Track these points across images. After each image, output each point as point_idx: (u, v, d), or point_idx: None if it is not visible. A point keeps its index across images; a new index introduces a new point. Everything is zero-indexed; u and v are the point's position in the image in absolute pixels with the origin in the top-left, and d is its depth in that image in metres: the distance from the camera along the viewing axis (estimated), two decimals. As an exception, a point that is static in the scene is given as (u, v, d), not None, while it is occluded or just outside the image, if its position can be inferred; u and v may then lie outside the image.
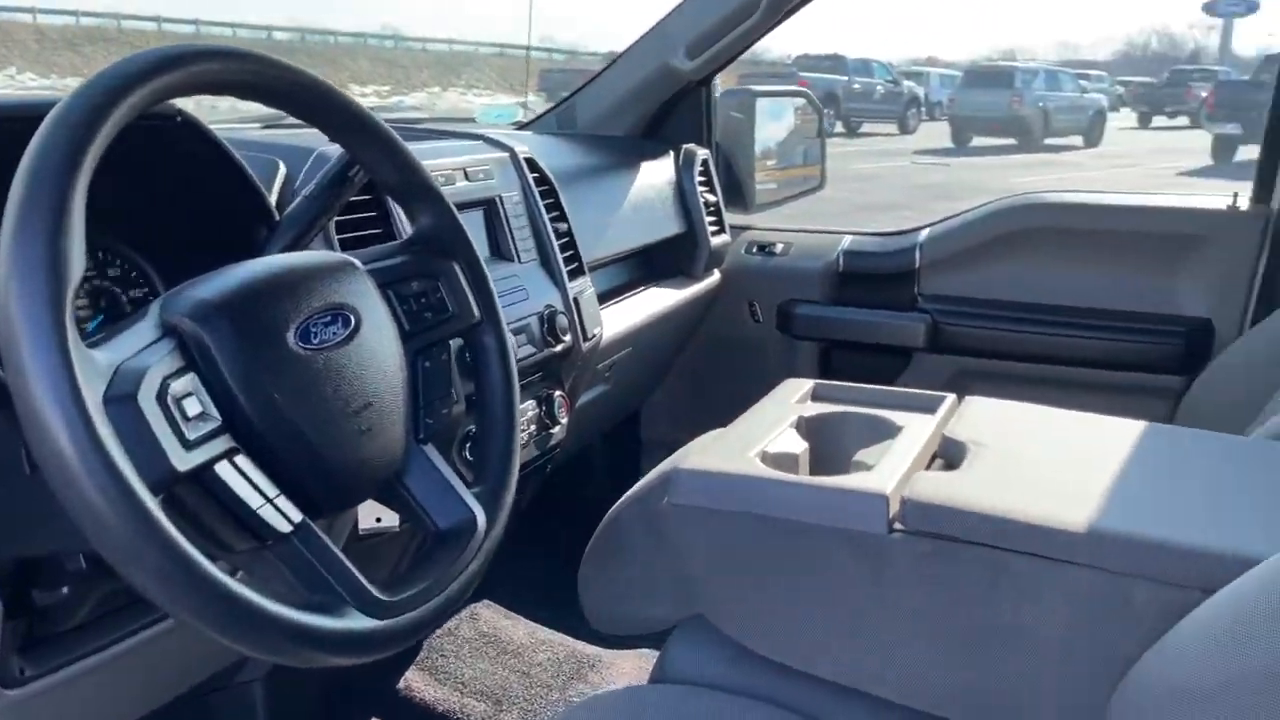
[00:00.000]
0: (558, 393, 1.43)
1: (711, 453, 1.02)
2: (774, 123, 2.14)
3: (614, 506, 1.13)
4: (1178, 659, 0.77)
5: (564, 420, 1.42)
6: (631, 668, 1.58)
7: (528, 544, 1.80)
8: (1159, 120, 20.58)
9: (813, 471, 1.10)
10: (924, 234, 1.88)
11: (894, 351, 1.87)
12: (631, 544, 1.11)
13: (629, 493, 1.14)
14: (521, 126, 2.00)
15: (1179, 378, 1.69)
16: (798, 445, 1.06)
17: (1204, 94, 16.05)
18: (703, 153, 1.93)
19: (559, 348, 1.40)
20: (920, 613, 0.91)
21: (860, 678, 0.95)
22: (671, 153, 1.90)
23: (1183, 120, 19.46)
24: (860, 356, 1.90)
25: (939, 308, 1.83)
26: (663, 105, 1.93)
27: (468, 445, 1.20)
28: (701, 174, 1.90)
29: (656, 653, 1.11)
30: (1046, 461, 0.98)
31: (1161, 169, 12.63)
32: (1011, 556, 0.87)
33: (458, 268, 0.94)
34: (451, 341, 0.94)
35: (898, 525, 0.91)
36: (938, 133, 16.95)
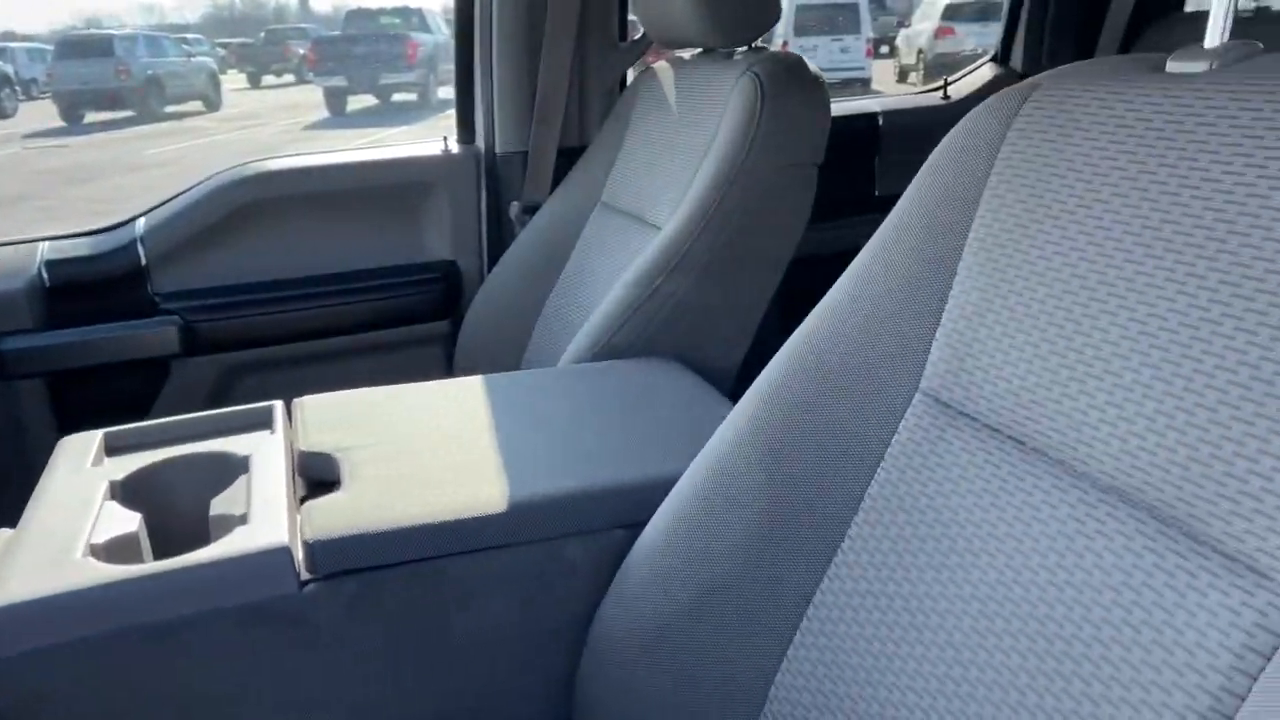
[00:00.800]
0: None
1: (19, 570, 0.74)
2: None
3: None
4: (635, 602, 0.77)
5: None
6: None
7: None
8: (269, 79, 21.24)
9: (156, 543, 0.87)
10: (141, 225, 1.62)
11: (146, 366, 1.59)
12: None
13: None
14: None
15: (444, 322, 1.74)
16: (128, 520, 0.82)
17: (303, 51, 16.94)
18: None
19: None
20: (360, 659, 0.78)
21: None
22: None
23: (290, 77, 20.37)
24: (105, 382, 1.58)
25: (185, 305, 1.61)
26: None
27: None
28: None
29: None
30: (423, 450, 0.91)
31: (290, 124, 13.07)
32: (447, 561, 0.78)
33: None
34: None
35: (308, 575, 0.76)
36: (43, 112, 15.20)
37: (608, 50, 1.71)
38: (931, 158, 0.74)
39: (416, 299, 1.71)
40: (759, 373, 0.77)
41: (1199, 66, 0.58)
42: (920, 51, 13.32)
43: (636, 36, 1.74)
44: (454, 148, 1.75)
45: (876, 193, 1.96)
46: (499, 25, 1.64)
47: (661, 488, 0.81)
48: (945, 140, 0.73)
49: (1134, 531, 0.52)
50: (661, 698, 0.74)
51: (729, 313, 1.23)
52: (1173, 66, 0.60)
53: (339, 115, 13.70)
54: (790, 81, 1.21)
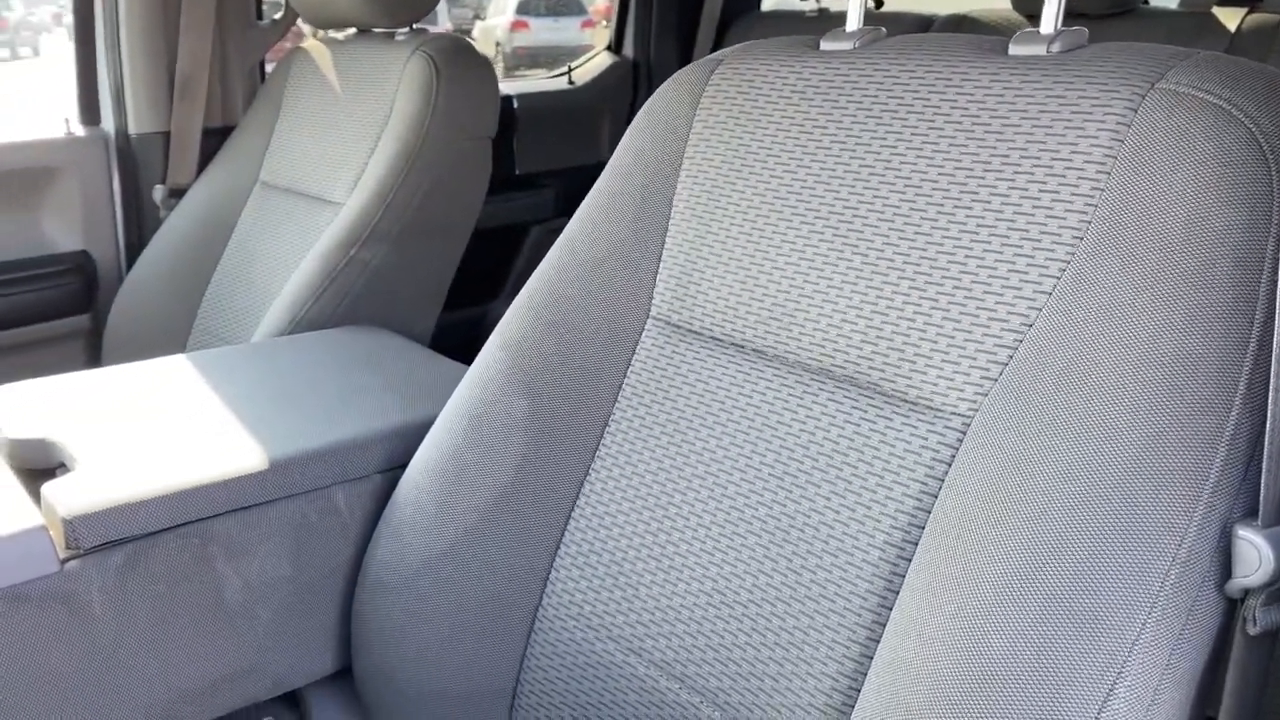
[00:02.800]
0: None
1: None
2: None
3: None
4: (408, 535, 0.83)
5: None
6: None
7: None
8: None
9: None
10: None
11: None
12: None
13: None
14: None
15: (83, 316, 1.61)
16: None
17: None
18: None
19: None
20: (132, 631, 0.77)
21: None
22: None
23: None
24: None
25: None
26: None
27: None
28: None
29: None
30: (150, 425, 0.89)
31: None
32: (214, 522, 0.80)
33: None
34: None
35: (68, 552, 0.74)
36: None
37: (247, 28, 1.68)
38: (631, 128, 0.86)
39: (47, 294, 1.57)
40: (451, 339, 0.86)
41: (845, 46, 0.76)
42: (498, 44, 13.73)
43: (275, 16, 1.72)
44: (78, 130, 1.63)
45: (517, 171, 2.10)
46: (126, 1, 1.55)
47: (415, 432, 0.88)
48: (642, 112, 0.86)
49: (841, 399, 0.69)
50: (435, 620, 0.81)
51: (421, 280, 1.29)
52: (825, 46, 0.78)
53: None
54: (462, 60, 1.29)
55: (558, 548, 0.81)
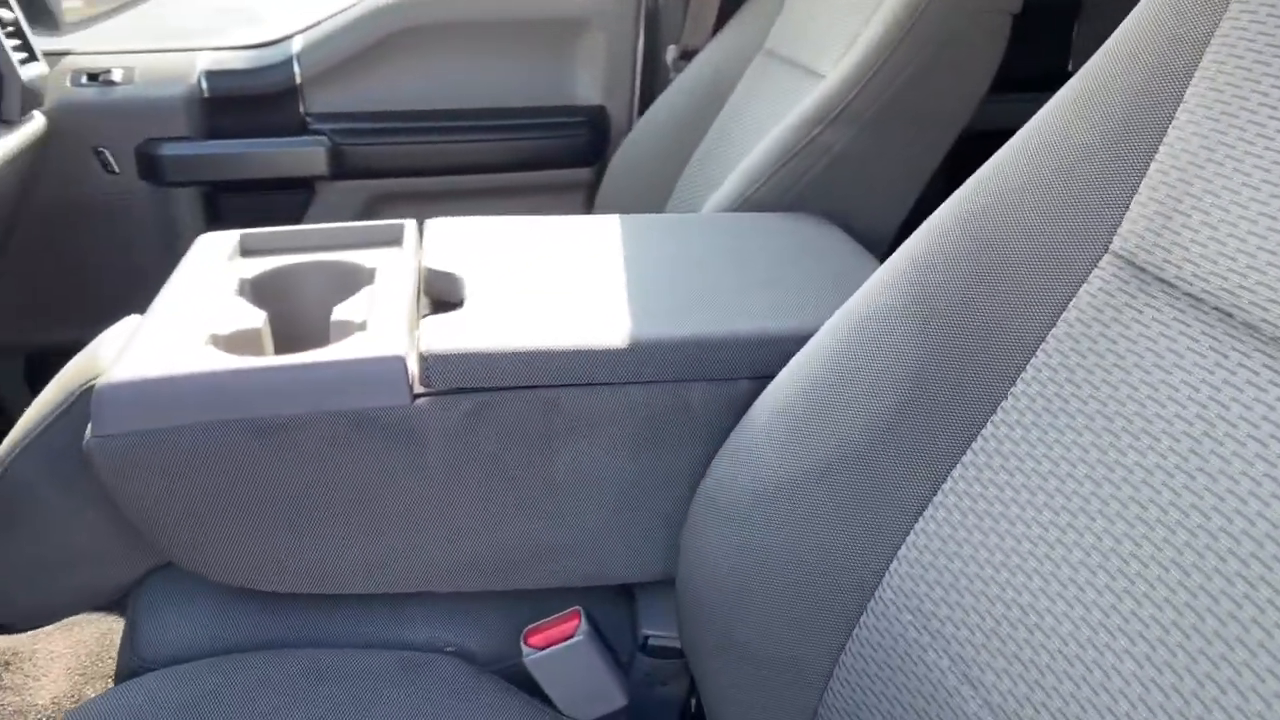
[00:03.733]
0: None
1: (141, 353, 0.73)
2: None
3: None
4: (749, 460, 0.72)
5: None
6: (66, 648, 1.22)
7: None
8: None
9: (279, 345, 0.87)
10: (298, 43, 1.61)
11: (294, 184, 1.60)
12: (40, 506, 0.79)
13: (14, 437, 0.80)
14: None
15: (587, 169, 1.69)
16: (254, 316, 0.81)
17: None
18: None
19: None
20: (464, 480, 0.76)
21: (395, 577, 0.78)
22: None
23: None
24: (256, 196, 1.60)
25: (334, 127, 1.60)
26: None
27: None
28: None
29: (97, 616, 0.83)
30: (551, 279, 0.86)
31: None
32: (562, 393, 0.75)
33: None
34: None
35: (421, 389, 0.74)
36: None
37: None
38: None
39: (562, 142, 1.65)
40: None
41: None
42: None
43: None
44: (616, -16, 1.67)
45: (1070, 68, 1.78)
46: None
47: (795, 342, 0.75)
48: None
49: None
50: (767, 557, 0.69)
51: (890, 173, 1.13)
52: None
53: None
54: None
55: (916, 519, 0.64)
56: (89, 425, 0.70)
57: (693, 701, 0.87)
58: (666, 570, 0.81)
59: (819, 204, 1.11)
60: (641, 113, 1.67)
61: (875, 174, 1.12)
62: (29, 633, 1.19)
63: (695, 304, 0.82)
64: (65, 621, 1.20)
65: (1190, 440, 0.51)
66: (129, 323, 0.84)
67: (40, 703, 1.09)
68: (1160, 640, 0.48)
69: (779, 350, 0.76)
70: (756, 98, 1.39)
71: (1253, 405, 0.48)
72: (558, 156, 1.67)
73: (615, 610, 0.86)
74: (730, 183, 1.14)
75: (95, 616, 1.16)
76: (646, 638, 0.82)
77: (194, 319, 0.79)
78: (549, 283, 0.85)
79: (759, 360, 0.77)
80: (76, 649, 1.15)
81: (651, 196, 1.53)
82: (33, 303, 1.60)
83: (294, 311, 0.89)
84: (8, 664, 1.12)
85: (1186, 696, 0.46)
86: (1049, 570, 0.55)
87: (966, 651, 0.58)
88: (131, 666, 0.78)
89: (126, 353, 0.73)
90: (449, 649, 0.81)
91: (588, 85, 1.67)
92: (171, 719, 0.68)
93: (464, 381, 0.73)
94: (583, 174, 1.69)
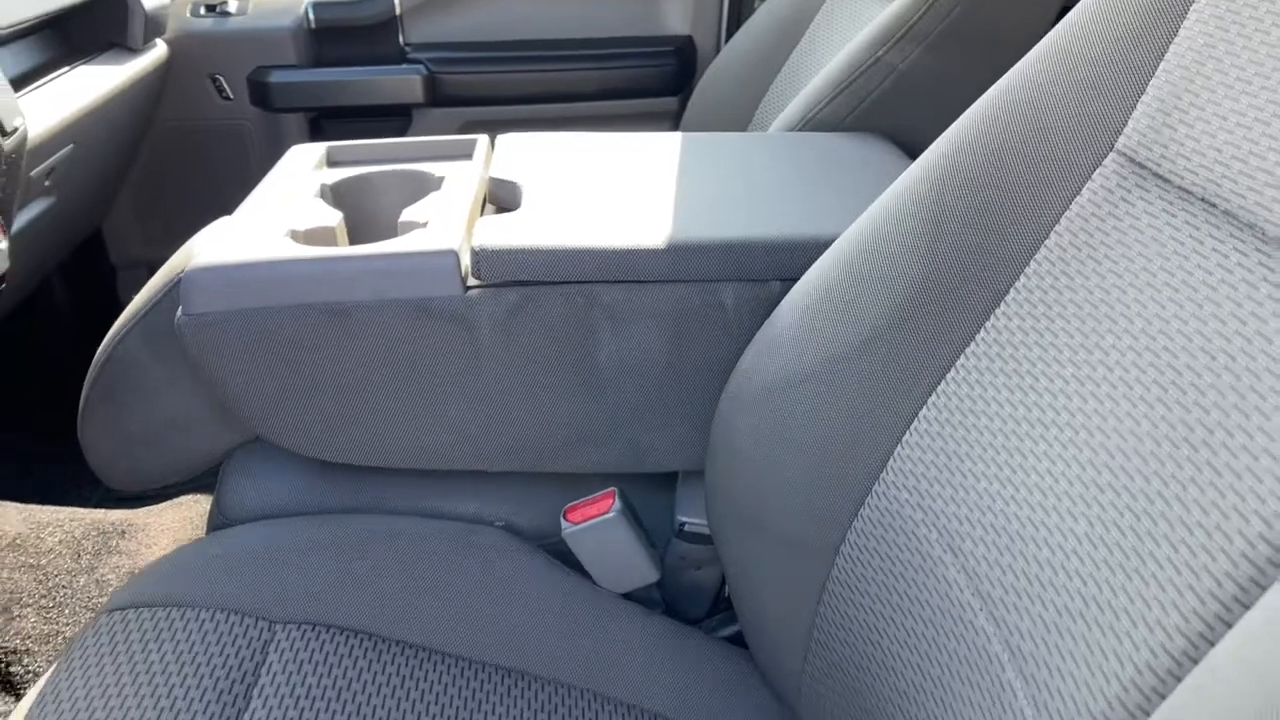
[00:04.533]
0: (-16, 213, 1.09)
1: (227, 243, 0.82)
2: None
3: (106, 341, 0.89)
4: (772, 353, 0.76)
5: (1, 246, 1.09)
6: (174, 521, 1.35)
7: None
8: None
9: (353, 242, 0.94)
10: None
11: (392, 111, 1.69)
12: (142, 381, 0.89)
13: (123, 319, 0.89)
14: None
15: (673, 98, 1.72)
16: (330, 216, 0.89)
17: None
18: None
19: (-31, 152, 1.05)
20: (511, 367, 0.82)
21: (448, 455, 0.85)
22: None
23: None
24: (357, 122, 1.69)
25: (431, 56, 1.67)
26: None
27: None
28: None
29: (204, 497, 0.92)
30: (602, 186, 0.91)
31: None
32: (601, 288, 0.80)
33: None
34: None
35: (473, 281, 0.80)
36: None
37: None
38: None
39: (651, 72, 1.69)
40: None
41: None
42: None
43: None
44: (705, -87, 1.68)
45: None
46: None
47: (823, 246, 0.78)
48: None
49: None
50: (786, 443, 0.74)
51: (953, 93, 1.13)
52: None
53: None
54: None
55: (921, 405, 0.67)
56: (180, 306, 0.79)
57: (724, 591, 0.93)
58: (700, 460, 0.86)
59: (882, 123, 1.13)
60: (726, 41, 1.69)
61: (939, 94, 1.12)
62: (144, 508, 1.33)
63: (735, 211, 0.86)
64: (175, 500, 1.34)
65: (1177, 322, 0.53)
66: (223, 222, 0.93)
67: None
68: (1112, 503, 0.51)
69: (808, 253, 0.80)
70: (836, 24, 1.39)
71: (1217, 282, 0.50)
72: (646, 85, 1.71)
73: (655, 498, 0.92)
74: (795, 103, 1.16)
75: (201, 497, 1.27)
76: (682, 524, 0.88)
77: (277, 216, 0.87)
78: (601, 191, 0.91)
79: (789, 263, 0.81)
80: (183, 523, 1.28)
81: (734, 123, 1.56)
82: (155, 220, 1.74)
83: (369, 214, 0.96)
84: (123, 533, 1.25)
85: (1127, 551, 0.49)
86: (1029, 448, 0.58)
87: (952, 525, 0.62)
88: (217, 524, 0.88)
89: (216, 244, 0.81)
90: (498, 523, 0.88)
91: (676, 16, 1.70)
92: (244, 564, 0.77)
93: (511, 275, 0.79)
94: (669, 103, 1.72)
